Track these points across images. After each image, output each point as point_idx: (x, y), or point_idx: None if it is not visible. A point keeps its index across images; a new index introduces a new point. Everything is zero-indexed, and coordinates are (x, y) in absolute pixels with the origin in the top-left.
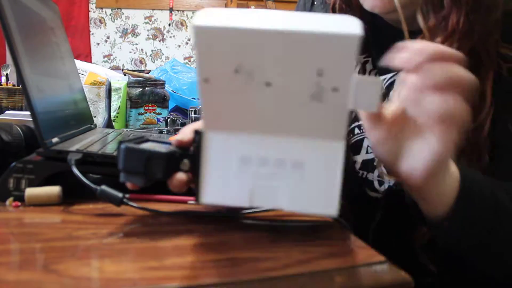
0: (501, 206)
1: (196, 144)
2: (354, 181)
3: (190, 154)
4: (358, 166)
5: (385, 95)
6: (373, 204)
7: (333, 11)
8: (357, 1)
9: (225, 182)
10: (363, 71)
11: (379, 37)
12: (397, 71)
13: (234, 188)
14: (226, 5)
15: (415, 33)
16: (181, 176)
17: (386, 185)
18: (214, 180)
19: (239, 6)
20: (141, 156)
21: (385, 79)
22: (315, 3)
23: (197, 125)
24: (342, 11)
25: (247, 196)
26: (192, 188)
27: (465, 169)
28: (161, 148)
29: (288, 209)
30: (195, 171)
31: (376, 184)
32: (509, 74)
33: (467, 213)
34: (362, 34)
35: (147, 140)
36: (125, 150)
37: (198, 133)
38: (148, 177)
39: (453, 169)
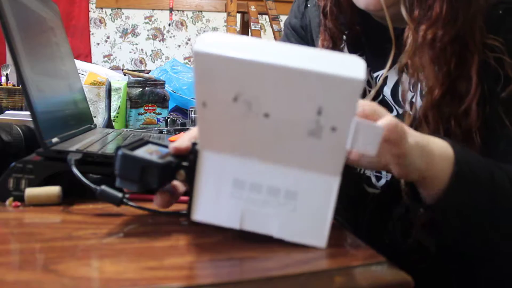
0: (496, 186)
1: (193, 155)
2: (352, 178)
3: (186, 165)
4: None
5: (378, 92)
6: (370, 198)
7: (324, 15)
8: (347, 4)
9: (217, 202)
10: None
11: (371, 36)
12: (389, 67)
13: (226, 210)
14: (226, 5)
15: (397, 26)
16: (165, 196)
17: (383, 180)
18: (207, 199)
19: (239, 6)
20: (137, 165)
21: (377, 76)
22: (308, 5)
23: (196, 132)
24: (332, 14)
25: (238, 218)
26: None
27: (460, 151)
28: (158, 157)
29: (278, 236)
30: (190, 182)
31: (373, 179)
32: (496, 63)
33: (461, 193)
34: (364, 78)
35: (147, 142)
36: (122, 157)
37: (195, 144)
38: (142, 185)
39: (448, 152)
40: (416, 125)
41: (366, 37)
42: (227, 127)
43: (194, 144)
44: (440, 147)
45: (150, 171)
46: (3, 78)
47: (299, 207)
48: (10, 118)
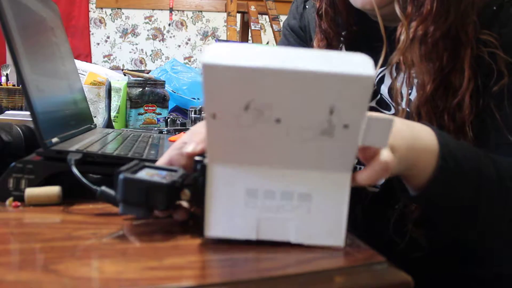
0: (482, 178)
1: (197, 174)
2: None
3: (191, 184)
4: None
5: (376, 91)
6: (369, 195)
7: (319, 16)
8: (343, 4)
9: (231, 215)
10: None
11: (368, 35)
12: (381, 65)
13: (241, 221)
14: (226, 5)
15: (392, 22)
16: (182, 212)
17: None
18: (220, 213)
19: (239, 6)
20: (141, 187)
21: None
22: (307, 6)
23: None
24: (327, 15)
25: (254, 228)
26: (194, 216)
27: (445, 144)
28: (161, 178)
29: (296, 241)
30: (196, 201)
31: None
32: (490, 58)
33: (444, 186)
34: (374, 75)
35: (144, 167)
36: (124, 181)
37: (199, 162)
38: (148, 208)
39: (433, 145)
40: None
41: (364, 37)
42: (237, 137)
43: (197, 161)
44: (426, 140)
45: (155, 192)
46: (3, 78)
47: (313, 208)
48: (10, 118)
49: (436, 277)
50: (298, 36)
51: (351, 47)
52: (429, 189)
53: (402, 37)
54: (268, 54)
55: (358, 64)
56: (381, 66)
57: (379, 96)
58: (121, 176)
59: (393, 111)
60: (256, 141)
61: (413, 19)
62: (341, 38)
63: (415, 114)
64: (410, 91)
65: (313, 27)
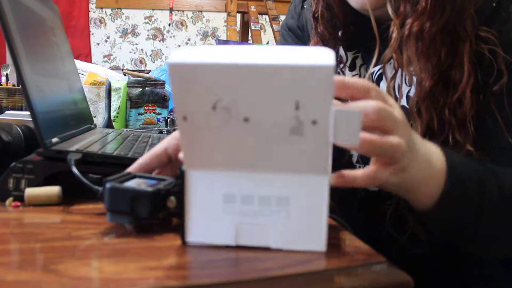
0: (485, 200)
1: (180, 181)
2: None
3: (176, 191)
4: (354, 159)
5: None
6: (365, 192)
7: (315, 18)
8: (339, 6)
9: (209, 221)
10: (353, 66)
11: (366, 34)
12: (375, 64)
13: (219, 227)
14: (226, 5)
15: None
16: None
17: None
18: (199, 219)
19: (239, 6)
20: (127, 196)
21: (373, 72)
22: (305, 6)
23: (170, 143)
24: (323, 18)
25: (233, 234)
26: (177, 226)
27: (453, 166)
28: (147, 186)
29: (275, 247)
30: (181, 208)
31: None
32: (490, 54)
33: (449, 210)
34: (334, 64)
35: (134, 176)
36: (110, 190)
37: (180, 169)
38: (134, 216)
39: (439, 164)
40: (408, 118)
41: (361, 36)
42: (209, 139)
43: (180, 169)
44: (435, 161)
45: (140, 201)
46: (3, 78)
47: (292, 213)
48: (10, 118)
49: (436, 276)
50: (296, 36)
51: (348, 47)
52: (432, 211)
53: (394, 35)
54: (233, 52)
55: (319, 56)
56: (378, 64)
57: None
58: (107, 185)
59: None
60: (228, 143)
61: (408, 16)
62: (337, 41)
63: (414, 111)
64: (409, 88)
65: (311, 27)
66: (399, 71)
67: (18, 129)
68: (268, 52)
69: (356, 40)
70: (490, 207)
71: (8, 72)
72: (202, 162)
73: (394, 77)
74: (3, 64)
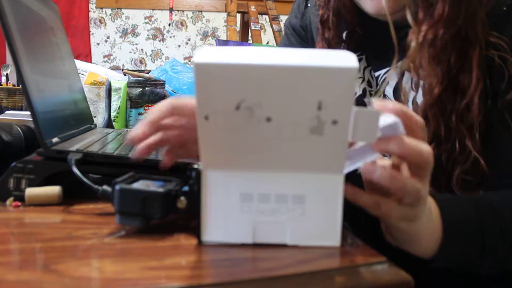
0: (488, 238)
1: (192, 181)
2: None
3: (186, 191)
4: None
5: (380, 91)
6: None
7: (322, 23)
8: (347, 11)
9: (226, 220)
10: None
11: (373, 36)
12: (390, 66)
13: (236, 226)
14: (226, 5)
15: (403, 27)
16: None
17: None
18: (216, 219)
19: (239, 6)
20: (138, 197)
21: (379, 75)
22: (309, 5)
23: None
24: (332, 23)
25: (250, 232)
26: (196, 217)
27: (449, 216)
28: (157, 187)
29: (292, 243)
30: (192, 208)
31: None
32: (501, 61)
33: (447, 258)
34: (358, 66)
35: (139, 178)
36: (121, 191)
37: (193, 170)
38: (145, 217)
39: (434, 213)
40: None
41: (367, 37)
42: (230, 139)
43: (192, 169)
44: (434, 212)
45: (151, 202)
46: (3, 78)
47: (308, 210)
48: (10, 118)
49: (437, 276)
50: (299, 35)
51: (353, 47)
52: (433, 261)
53: (413, 44)
54: (256, 53)
55: (342, 58)
56: (385, 67)
57: (382, 96)
58: (117, 187)
59: None
60: (248, 142)
61: (423, 23)
62: (343, 44)
63: (421, 117)
64: (415, 93)
65: (315, 26)
66: (406, 75)
67: (18, 129)
68: (293, 54)
69: (361, 41)
70: (492, 247)
71: (8, 72)
72: (220, 162)
73: (402, 80)
74: (3, 64)
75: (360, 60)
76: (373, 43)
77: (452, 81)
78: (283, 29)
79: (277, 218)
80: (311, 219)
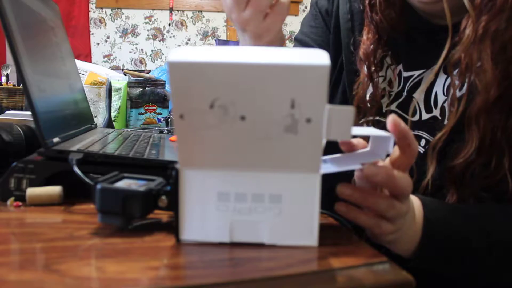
0: (468, 244)
1: (173, 180)
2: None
3: (167, 190)
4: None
5: (400, 92)
6: None
7: (371, 6)
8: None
9: (204, 219)
10: (380, 66)
11: (411, 33)
12: (425, 68)
13: (214, 224)
14: None
15: (440, 31)
16: None
17: None
18: (193, 218)
19: None
20: (118, 196)
21: (408, 76)
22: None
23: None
24: (381, 6)
25: (227, 231)
26: (172, 224)
27: (429, 214)
28: (138, 187)
29: (269, 243)
30: (173, 208)
31: None
32: None
33: (428, 261)
34: (330, 64)
35: (123, 177)
36: (101, 191)
37: (174, 169)
38: (126, 216)
39: (418, 217)
40: (458, 129)
41: (406, 34)
42: (205, 138)
43: (172, 168)
44: (417, 216)
45: (131, 201)
46: (4, 78)
47: (284, 210)
48: (11, 118)
49: (438, 276)
50: (323, 18)
51: (399, 46)
52: (410, 261)
53: (467, 32)
54: (231, 52)
55: (314, 56)
56: (421, 68)
57: (403, 97)
58: (98, 186)
59: (417, 117)
60: (223, 142)
61: (483, 12)
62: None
63: (473, 120)
64: (445, 98)
65: (343, 13)
66: (444, 76)
67: (19, 129)
68: (266, 52)
69: (395, 37)
70: (477, 253)
71: (8, 72)
72: (197, 161)
73: (452, 81)
74: (3, 64)
75: (385, 57)
76: (411, 41)
77: (506, 91)
78: (308, 7)
79: (254, 217)
80: (288, 218)
